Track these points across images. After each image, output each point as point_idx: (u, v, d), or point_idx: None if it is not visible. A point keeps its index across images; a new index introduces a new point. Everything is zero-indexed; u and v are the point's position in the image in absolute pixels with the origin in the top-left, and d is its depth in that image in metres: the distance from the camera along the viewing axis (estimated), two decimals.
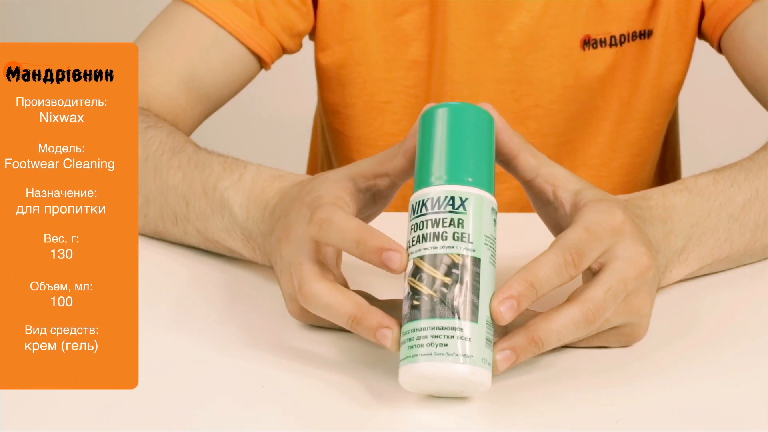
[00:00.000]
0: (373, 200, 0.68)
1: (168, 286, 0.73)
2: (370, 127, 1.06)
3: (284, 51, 1.03)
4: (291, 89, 1.99)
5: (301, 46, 1.05)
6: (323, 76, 1.07)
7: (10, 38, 2.42)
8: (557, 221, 0.67)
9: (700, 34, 1.02)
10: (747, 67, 0.95)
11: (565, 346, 0.64)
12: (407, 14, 1.02)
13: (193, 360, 0.64)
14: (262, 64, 1.01)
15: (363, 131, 1.07)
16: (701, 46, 1.03)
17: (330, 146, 1.14)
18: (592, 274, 0.61)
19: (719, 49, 1.00)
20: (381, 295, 0.64)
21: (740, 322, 0.69)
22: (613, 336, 0.64)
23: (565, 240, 0.60)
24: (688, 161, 1.21)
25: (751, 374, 0.62)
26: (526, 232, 0.74)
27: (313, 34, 1.06)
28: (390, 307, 0.61)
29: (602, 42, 1.00)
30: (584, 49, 1.01)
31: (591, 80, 1.02)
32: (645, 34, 1.01)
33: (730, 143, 1.31)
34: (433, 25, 1.02)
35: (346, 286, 0.66)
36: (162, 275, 0.75)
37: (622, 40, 1.01)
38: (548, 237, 0.68)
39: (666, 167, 1.15)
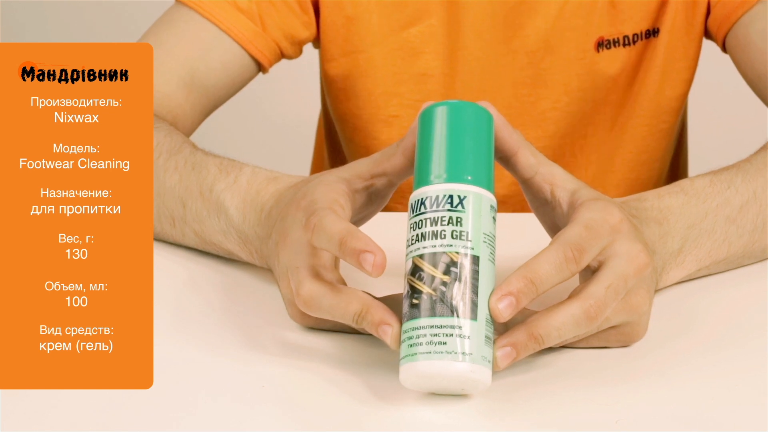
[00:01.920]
0: (369, 200, 0.68)
1: (166, 287, 0.73)
2: (377, 140, 1.06)
3: (283, 56, 1.02)
4: (296, 92, 1.99)
5: (301, 53, 1.04)
6: (331, 87, 1.07)
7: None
8: (554, 221, 0.67)
9: (706, 33, 1.03)
10: (750, 65, 0.96)
11: (565, 346, 0.64)
12: (415, 27, 1.01)
13: (193, 360, 0.64)
14: (261, 68, 1.01)
15: (370, 142, 1.06)
16: (708, 49, 1.04)
17: (346, 151, 1.13)
18: (591, 272, 0.62)
19: (724, 48, 1.00)
20: (380, 294, 0.64)
21: (740, 322, 0.69)
22: (612, 336, 0.64)
23: (564, 237, 0.60)
24: (695, 163, 1.21)
25: (751, 374, 0.63)
26: (526, 232, 0.75)
27: (317, 44, 1.06)
28: (390, 302, 0.61)
29: (615, 42, 1.01)
30: (598, 51, 1.01)
31: (605, 80, 1.03)
32: (653, 33, 1.02)
33: (736, 145, 1.32)
34: (448, 36, 1.01)
35: (343, 284, 0.66)
36: (160, 276, 0.75)
37: (635, 39, 1.01)
38: (548, 237, 0.69)
39: (679, 169, 1.16)
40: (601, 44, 1.01)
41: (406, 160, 0.66)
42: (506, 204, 1.03)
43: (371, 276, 0.57)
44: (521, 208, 0.95)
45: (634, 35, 1.01)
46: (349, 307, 0.59)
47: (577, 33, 1.01)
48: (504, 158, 0.66)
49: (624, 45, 1.01)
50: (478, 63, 1.02)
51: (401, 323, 0.58)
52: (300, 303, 0.61)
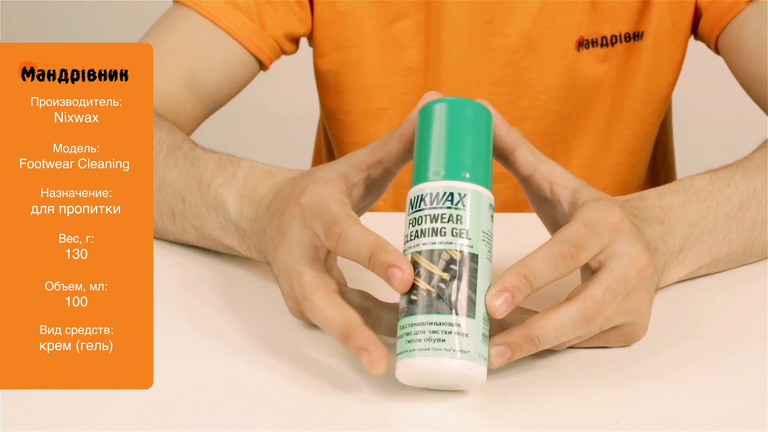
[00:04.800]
0: (367, 192, 0.68)
1: (166, 287, 0.73)
2: (366, 134, 1.07)
3: (282, 53, 1.03)
4: (297, 88, 1.99)
5: (298, 48, 1.05)
6: (322, 82, 1.08)
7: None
8: (555, 219, 0.67)
9: (696, 35, 1.03)
10: (744, 68, 0.96)
11: None
12: (402, 21, 1.03)
13: (193, 360, 0.64)
14: (261, 66, 1.02)
15: (360, 137, 1.07)
16: (695, 47, 1.04)
17: (335, 150, 1.14)
18: (591, 272, 0.62)
19: (716, 50, 1.00)
20: (379, 289, 0.64)
21: (741, 322, 0.69)
22: (612, 336, 0.64)
23: (563, 234, 0.60)
24: (684, 162, 1.21)
25: (752, 375, 0.63)
26: (524, 232, 0.74)
27: (311, 39, 1.07)
28: (394, 310, 0.61)
29: (594, 42, 1.02)
30: (579, 50, 1.02)
31: (585, 81, 1.03)
32: (636, 36, 1.02)
33: (725, 143, 1.32)
34: (428, 31, 1.03)
35: (343, 282, 0.67)
36: (159, 276, 0.75)
37: (614, 41, 1.02)
38: (547, 237, 0.69)
39: (657, 165, 1.16)
40: (582, 44, 1.02)
41: (403, 146, 0.65)
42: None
43: (397, 291, 0.57)
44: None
45: (612, 36, 1.02)
46: (335, 325, 0.60)
47: (558, 32, 1.02)
48: (502, 156, 0.66)
49: (602, 45, 1.02)
50: (458, 59, 1.03)
51: (381, 348, 0.57)
52: (306, 310, 0.61)
